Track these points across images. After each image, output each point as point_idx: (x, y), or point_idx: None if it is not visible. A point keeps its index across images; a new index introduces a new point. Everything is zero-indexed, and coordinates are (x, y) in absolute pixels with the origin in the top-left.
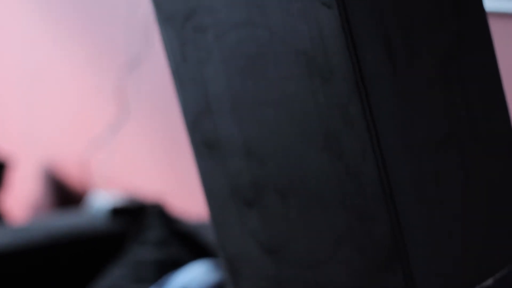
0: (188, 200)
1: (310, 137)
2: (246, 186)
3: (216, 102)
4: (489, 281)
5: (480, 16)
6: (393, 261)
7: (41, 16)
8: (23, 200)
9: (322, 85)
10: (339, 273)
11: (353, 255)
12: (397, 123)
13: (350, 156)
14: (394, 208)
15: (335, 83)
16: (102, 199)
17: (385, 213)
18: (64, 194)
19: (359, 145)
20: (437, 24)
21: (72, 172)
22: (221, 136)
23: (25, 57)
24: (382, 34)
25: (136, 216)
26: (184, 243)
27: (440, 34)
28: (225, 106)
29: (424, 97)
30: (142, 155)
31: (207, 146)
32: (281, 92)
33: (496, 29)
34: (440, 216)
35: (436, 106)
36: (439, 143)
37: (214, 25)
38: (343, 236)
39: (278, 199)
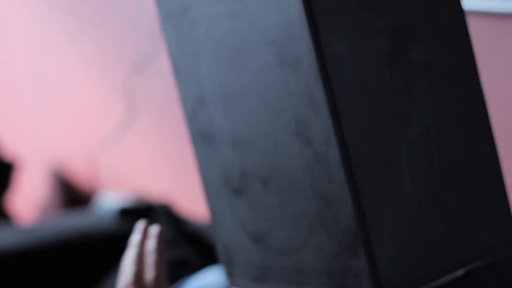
0: (196, 201)
1: (284, 124)
2: (235, 175)
3: (209, 95)
4: (460, 272)
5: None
6: (357, 245)
7: (49, 17)
8: (31, 201)
9: (292, 73)
10: (313, 258)
11: (324, 239)
12: (360, 109)
13: (317, 142)
14: (356, 192)
15: (302, 70)
16: (110, 199)
17: (348, 197)
18: (72, 194)
19: (324, 131)
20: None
21: (80, 172)
22: (214, 127)
23: (33, 57)
24: (347, 21)
25: (144, 217)
26: (192, 244)
27: (400, 17)
28: (216, 98)
29: (386, 84)
30: (150, 155)
31: (203, 138)
32: (259, 81)
33: (496, 29)
34: (405, 200)
35: (397, 91)
36: (400, 126)
37: (205, 19)
38: (315, 221)
39: (261, 186)
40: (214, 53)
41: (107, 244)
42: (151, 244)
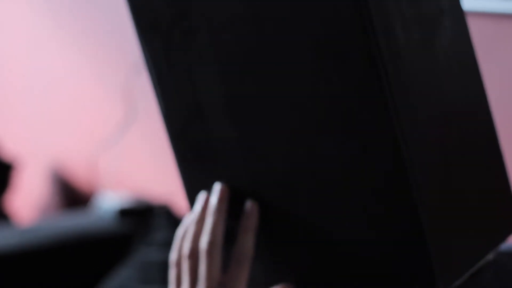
0: None
1: (321, 121)
2: (243, 186)
3: (208, 106)
4: (490, 256)
5: None
6: (414, 239)
7: (49, 18)
8: (30, 201)
9: (336, 66)
10: (356, 256)
11: (371, 236)
12: (413, 100)
13: (368, 136)
14: (417, 187)
15: (352, 63)
16: (110, 200)
17: (405, 193)
18: (71, 195)
19: (378, 124)
20: None
21: (80, 173)
22: (213, 139)
23: (32, 58)
24: (396, 11)
25: (144, 217)
26: None
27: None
28: (218, 108)
29: (429, 71)
30: (150, 156)
31: (194, 152)
32: (287, 81)
33: (495, 29)
34: (455, 193)
35: (448, 83)
36: (448, 118)
37: (208, 25)
38: (358, 219)
39: (282, 192)
40: (219, 60)
41: (106, 244)
42: (211, 207)
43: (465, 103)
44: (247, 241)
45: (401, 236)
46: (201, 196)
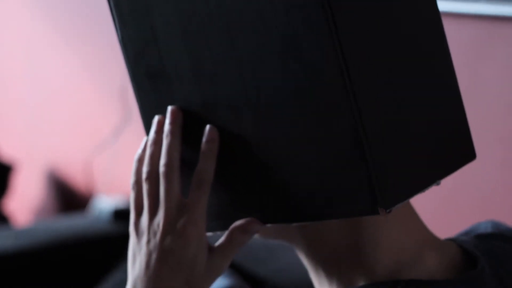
0: None
1: (266, 45)
2: (196, 108)
3: (162, 32)
4: (439, 182)
5: None
6: (355, 158)
7: (45, 21)
8: (27, 204)
9: None
10: (302, 177)
11: (315, 157)
12: (357, 23)
13: (309, 58)
14: (356, 104)
15: None
16: (105, 202)
17: (347, 110)
18: (67, 197)
19: (320, 46)
20: None
21: (76, 175)
22: (167, 63)
23: (29, 61)
24: None
25: None
26: None
27: None
28: (172, 34)
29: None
30: None
31: (150, 77)
32: (233, 6)
33: (490, 32)
34: (400, 114)
35: (394, 12)
36: (395, 43)
37: None
38: (302, 141)
39: (231, 115)
40: None
41: (102, 246)
42: (166, 129)
43: (416, 29)
44: (207, 165)
45: (343, 158)
46: (155, 119)
